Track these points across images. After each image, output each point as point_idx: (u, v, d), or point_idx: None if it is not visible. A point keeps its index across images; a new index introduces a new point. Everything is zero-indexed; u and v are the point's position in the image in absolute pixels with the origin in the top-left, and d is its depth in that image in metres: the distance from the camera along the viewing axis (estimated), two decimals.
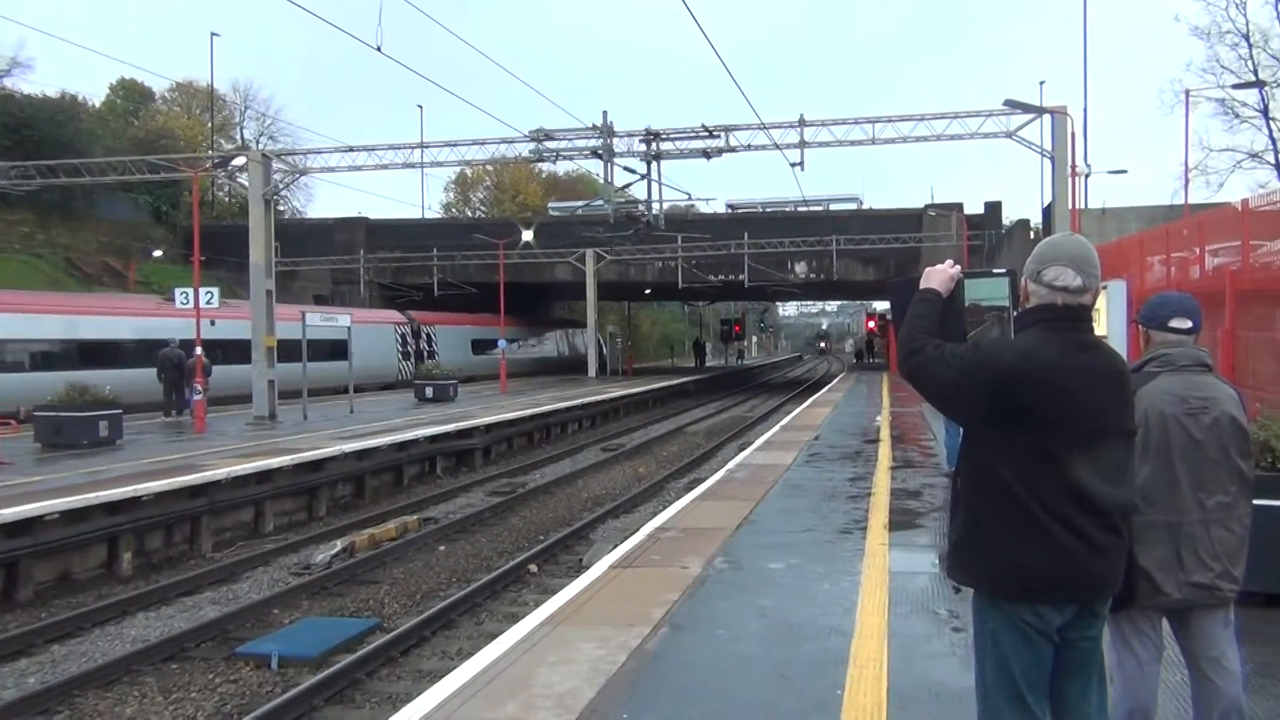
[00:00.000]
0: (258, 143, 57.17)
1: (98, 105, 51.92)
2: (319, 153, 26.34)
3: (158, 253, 42.74)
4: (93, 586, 11.80)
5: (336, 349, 30.15)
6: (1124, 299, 9.65)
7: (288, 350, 24.96)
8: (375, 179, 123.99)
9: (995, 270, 3.23)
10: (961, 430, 3.07)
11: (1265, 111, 37.11)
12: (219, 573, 12.26)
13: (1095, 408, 2.85)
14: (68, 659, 9.13)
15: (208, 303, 21.67)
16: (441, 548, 13.57)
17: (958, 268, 3.12)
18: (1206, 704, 3.70)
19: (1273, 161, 37.50)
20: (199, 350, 21.62)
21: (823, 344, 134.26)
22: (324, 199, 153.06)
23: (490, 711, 4.98)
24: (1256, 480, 6.38)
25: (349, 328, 26.36)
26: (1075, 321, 2.91)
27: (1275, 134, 37.37)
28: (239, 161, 29.57)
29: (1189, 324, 3.79)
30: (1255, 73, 35.84)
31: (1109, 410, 2.90)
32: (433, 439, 20.28)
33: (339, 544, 13.15)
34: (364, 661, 8.49)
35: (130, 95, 55.22)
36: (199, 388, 21.43)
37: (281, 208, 50.59)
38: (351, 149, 25.59)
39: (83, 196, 40.62)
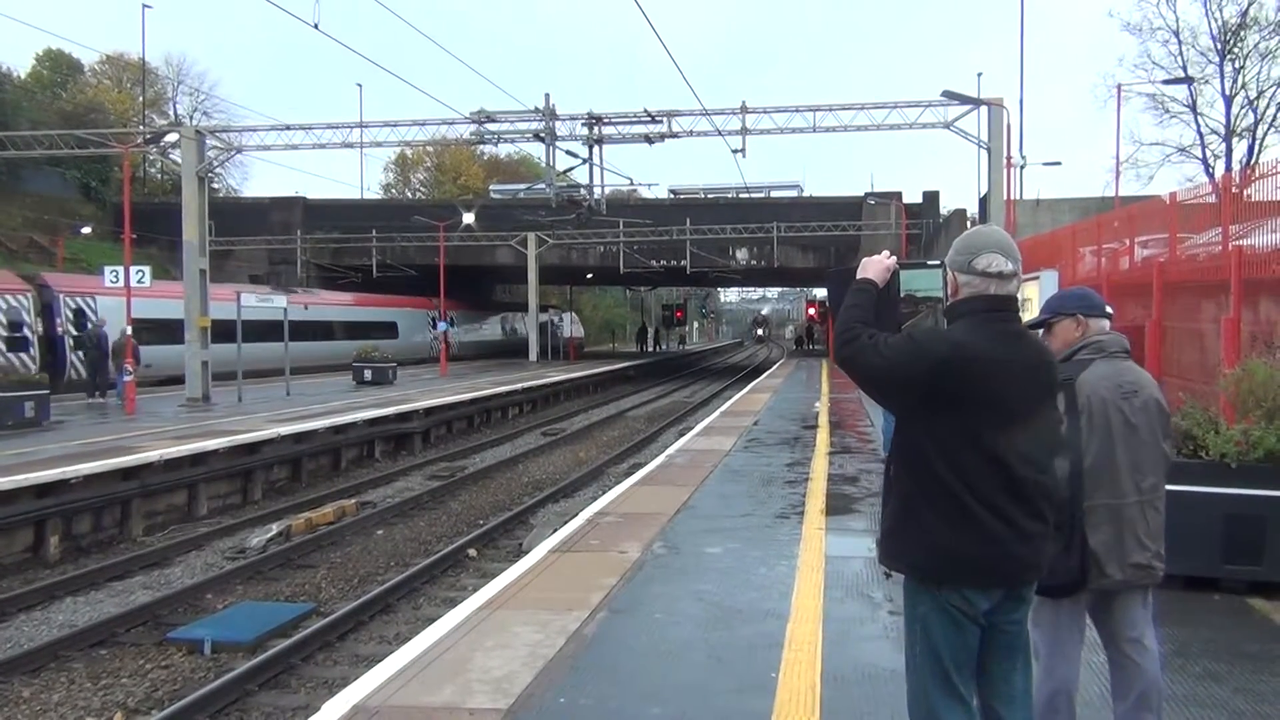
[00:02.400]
0: (191, 118, 55.75)
1: (23, 76, 50.28)
2: (255, 130, 25.82)
3: (87, 229, 41.65)
4: (18, 571, 11.54)
5: (385, 330, 41.36)
6: (1056, 288, 9.88)
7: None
8: (313, 158, 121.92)
9: (930, 262, 3.29)
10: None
11: (1194, 107, 38.06)
12: (150, 557, 12.05)
13: (1024, 396, 2.93)
14: None
15: (139, 281, 21.20)
16: (379, 532, 13.48)
17: (894, 259, 3.18)
18: (1127, 683, 3.83)
19: (1200, 156, 38.49)
20: (128, 330, 21.16)
21: (760, 331, 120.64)
22: (260, 178, 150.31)
23: (427, 696, 4.98)
24: (1178, 467, 6.62)
25: (285, 309, 26.00)
26: (1005, 312, 2.99)
27: (1203, 129, 38.35)
28: (172, 138, 28.94)
29: (1111, 312, 4.03)
30: (1184, 69, 36.67)
31: (1036, 398, 2.98)
32: (371, 422, 20.09)
33: (275, 528, 13.00)
34: (300, 646, 8.41)
35: (57, 67, 53.49)
36: (129, 368, 20.98)
37: (216, 186, 49.66)
38: (288, 127, 25.14)
39: (7, 170, 39.44)
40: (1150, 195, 25.95)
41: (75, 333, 26.11)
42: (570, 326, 68.83)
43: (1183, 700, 4.81)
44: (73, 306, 26.78)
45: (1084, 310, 3.98)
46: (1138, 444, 3.79)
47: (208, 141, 24.85)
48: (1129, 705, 3.82)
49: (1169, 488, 6.49)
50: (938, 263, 3.27)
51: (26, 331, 25.42)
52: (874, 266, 3.15)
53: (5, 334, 24.77)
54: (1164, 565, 3.86)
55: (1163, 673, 3.95)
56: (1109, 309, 4.00)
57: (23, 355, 25.01)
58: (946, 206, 41.84)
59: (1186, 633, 5.80)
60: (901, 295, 3.17)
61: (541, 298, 47.65)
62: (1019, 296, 3.07)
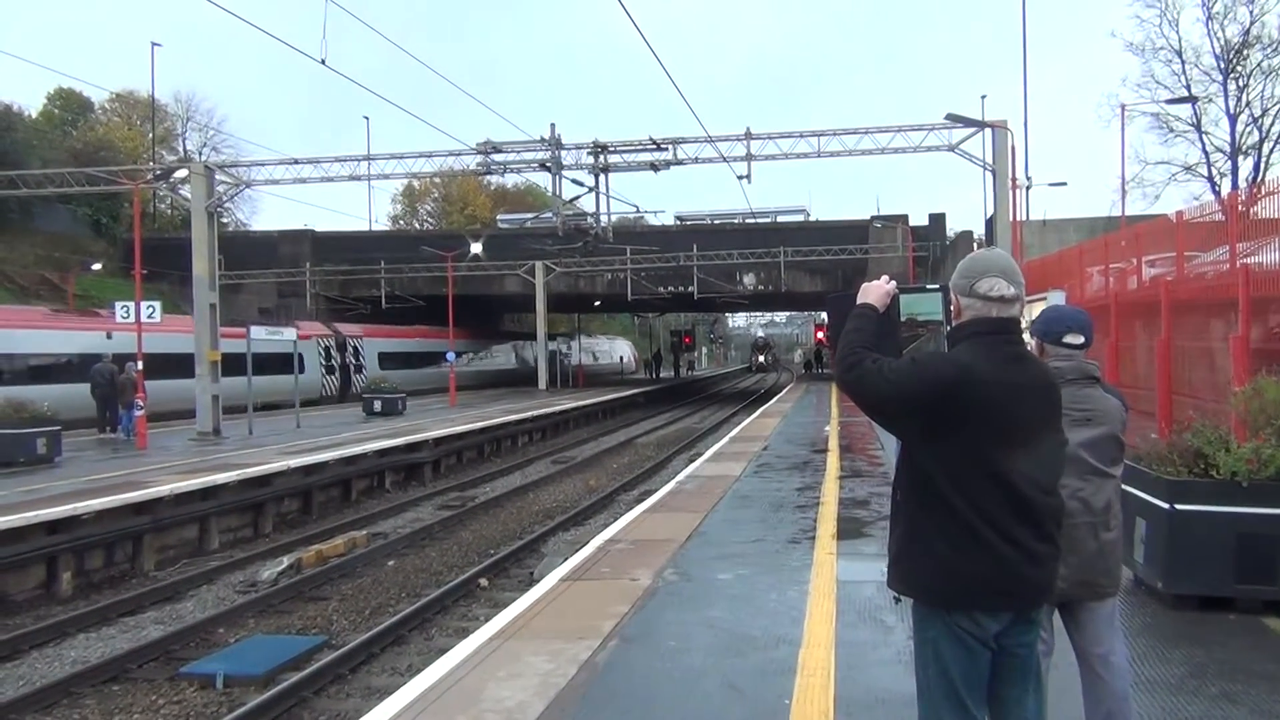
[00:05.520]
0: (200, 154, 56.38)
1: (34, 115, 50.84)
2: (263, 165, 26.08)
3: (97, 266, 41.94)
4: (30, 607, 11.54)
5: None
6: None
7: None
8: (321, 191, 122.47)
9: (929, 286, 3.31)
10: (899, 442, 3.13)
11: (1198, 125, 38.06)
12: (162, 591, 12.06)
13: (1029, 418, 2.93)
14: (4, 682, 8.93)
15: (149, 317, 21.32)
16: (390, 563, 13.46)
17: (893, 283, 3.20)
18: (1095, 699, 3.86)
19: (1206, 175, 38.47)
20: (139, 365, 21.25)
21: (762, 357, 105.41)
22: (269, 211, 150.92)
23: None
24: (1190, 486, 6.60)
25: (294, 342, 26.21)
26: (1007, 334, 2.99)
27: (1208, 148, 38.34)
28: (181, 174, 29.19)
29: (1081, 340, 4.00)
30: (1188, 88, 36.73)
31: (1042, 420, 2.98)
32: (381, 453, 20.11)
33: (286, 560, 12.99)
34: (312, 679, 8.40)
35: (68, 105, 54.10)
36: (139, 403, 21.05)
37: (225, 220, 50.00)
38: (296, 161, 25.38)
39: (19, 209, 39.77)
40: (1156, 214, 25.96)
41: (356, 362, 40.41)
42: (629, 353, 75.53)
43: None
44: (352, 346, 40.18)
45: (1042, 334, 4.03)
46: (1085, 469, 3.81)
47: (217, 177, 25.06)
48: None
49: (1180, 507, 6.52)
50: (937, 286, 3.28)
51: (334, 362, 38.63)
52: (874, 291, 3.16)
53: (324, 363, 38.02)
54: (1115, 584, 3.91)
55: (1132, 689, 4.00)
56: (1080, 338, 3.98)
57: (331, 378, 38.28)
58: (953, 229, 41.97)
59: (1201, 653, 5.75)
60: (902, 319, 3.19)
61: (550, 325, 47.78)
62: (1023, 318, 3.08)
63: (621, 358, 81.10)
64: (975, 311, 3.01)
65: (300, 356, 32.82)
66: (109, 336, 26.12)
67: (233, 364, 24.76)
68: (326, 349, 38.32)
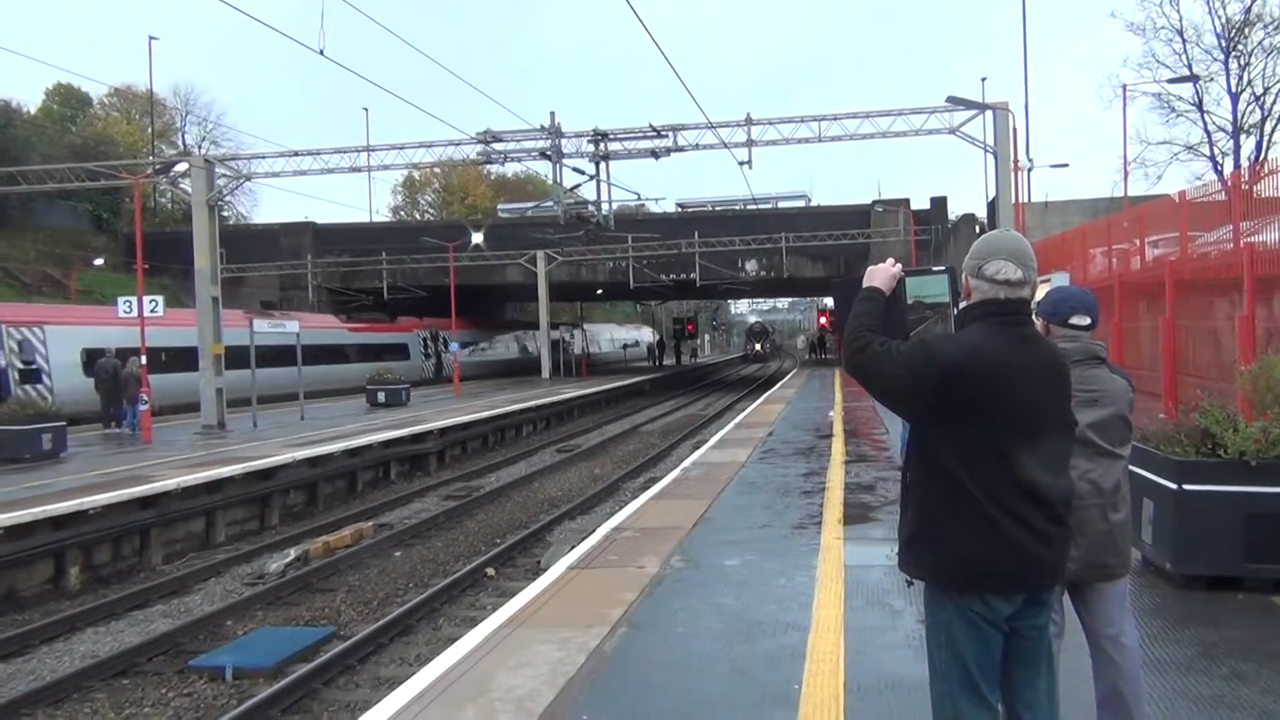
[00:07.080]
0: (200, 147, 56.24)
1: (33, 111, 50.77)
2: (263, 157, 25.98)
3: (99, 261, 41.94)
4: (39, 603, 11.58)
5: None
6: None
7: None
8: (322, 183, 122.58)
9: (935, 268, 3.29)
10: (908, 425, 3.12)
11: (1200, 105, 37.87)
12: (170, 585, 12.08)
13: (1039, 400, 2.91)
14: (14, 678, 8.95)
15: (152, 311, 21.31)
16: (397, 553, 13.48)
17: (899, 266, 3.17)
18: (1107, 680, 3.87)
19: (1208, 154, 38.30)
20: (143, 359, 21.26)
21: (759, 345, 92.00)
22: (269, 204, 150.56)
23: (449, 716, 4.96)
24: (1198, 466, 6.59)
25: (298, 333, 26.23)
26: (1016, 315, 2.97)
27: (1209, 127, 38.16)
28: (181, 167, 29.18)
29: (1087, 320, 4.00)
30: (1189, 67, 36.52)
31: (1052, 402, 2.96)
32: (386, 444, 20.13)
33: (293, 552, 13.01)
34: (321, 670, 8.42)
35: (67, 101, 54.06)
36: (144, 398, 21.06)
37: (226, 213, 49.94)
38: (296, 153, 25.30)
39: (20, 205, 39.76)
40: (1159, 194, 25.84)
41: (443, 350, 46.02)
42: (651, 339, 78.61)
43: (1210, 702, 4.75)
44: (442, 336, 46.06)
45: (1048, 315, 4.03)
46: (1093, 450, 3.81)
47: (217, 170, 25.00)
48: (1107, 703, 3.86)
49: (1188, 487, 6.52)
50: (943, 269, 3.26)
51: (429, 350, 46.35)
52: (880, 275, 3.14)
53: (424, 351, 45.73)
54: (1125, 564, 3.91)
55: (1143, 670, 4.00)
56: (1086, 319, 3.98)
57: (429, 363, 45.91)
58: (955, 211, 41.80)
59: (1211, 633, 5.74)
60: (909, 302, 3.17)
61: (552, 314, 47.80)
62: (1032, 300, 3.06)
63: (625, 346, 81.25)
64: (983, 293, 2.99)
65: (407, 346, 44.23)
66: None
67: (364, 353, 32.31)
68: (424, 340, 46.19)
